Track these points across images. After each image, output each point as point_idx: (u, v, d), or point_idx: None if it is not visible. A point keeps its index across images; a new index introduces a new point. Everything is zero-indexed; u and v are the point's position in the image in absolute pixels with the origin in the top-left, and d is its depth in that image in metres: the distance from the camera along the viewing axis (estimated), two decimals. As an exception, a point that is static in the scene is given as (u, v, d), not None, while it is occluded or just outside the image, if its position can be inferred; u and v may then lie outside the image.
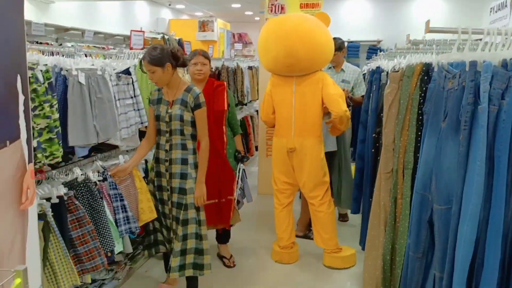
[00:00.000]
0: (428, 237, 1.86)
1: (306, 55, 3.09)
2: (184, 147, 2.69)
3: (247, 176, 3.56)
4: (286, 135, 3.28)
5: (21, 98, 1.45)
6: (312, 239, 3.63)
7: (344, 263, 3.38)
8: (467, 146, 1.57)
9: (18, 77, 1.43)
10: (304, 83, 3.20)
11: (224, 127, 3.21)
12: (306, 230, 3.98)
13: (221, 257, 3.52)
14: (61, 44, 5.85)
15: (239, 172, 3.34)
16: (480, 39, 1.90)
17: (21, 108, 1.45)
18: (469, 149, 1.56)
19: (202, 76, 3.14)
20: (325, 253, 3.42)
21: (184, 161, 2.69)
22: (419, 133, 2.05)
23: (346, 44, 4.19)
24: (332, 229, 3.37)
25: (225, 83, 3.34)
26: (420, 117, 2.04)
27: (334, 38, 3.80)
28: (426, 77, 2.02)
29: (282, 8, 4.86)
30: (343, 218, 4.40)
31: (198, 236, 2.73)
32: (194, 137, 2.70)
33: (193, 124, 2.66)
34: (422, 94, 2.02)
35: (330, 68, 4.09)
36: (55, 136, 2.37)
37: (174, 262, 2.70)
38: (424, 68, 2.02)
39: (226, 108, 3.19)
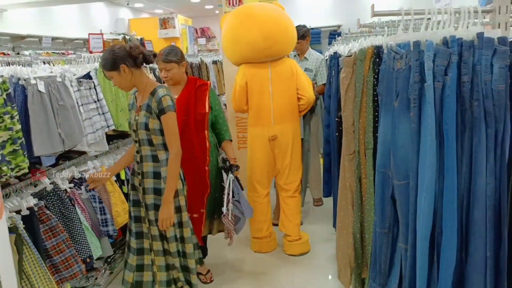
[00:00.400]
0: (392, 213, 1.94)
1: (281, 37, 3.17)
2: (155, 158, 2.39)
3: (243, 187, 3.04)
4: (266, 124, 3.27)
5: (-22, 113, 1.44)
6: None
7: (302, 249, 3.47)
8: (418, 123, 1.65)
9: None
10: (279, 69, 3.24)
11: (206, 131, 2.89)
12: None
13: (197, 273, 3.08)
14: (18, 53, 5.71)
15: (229, 183, 2.89)
16: (429, 19, 1.99)
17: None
18: (420, 125, 1.65)
19: (170, 82, 2.91)
20: (287, 241, 3.47)
21: (157, 175, 2.40)
22: (376, 113, 2.13)
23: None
24: (299, 216, 3.47)
25: (209, 82, 3.05)
26: (376, 98, 2.12)
27: (298, 26, 3.93)
28: (377, 59, 2.09)
29: (239, 0, 4.87)
30: (317, 202, 4.50)
31: (182, 254, 2.53)
32: (167, 146, 2.38)
33: (163, 132, 2.34)
34: (376, 76, 2.10)
35: (295, 56, 4.16)
36: (19, 148, 2.35)
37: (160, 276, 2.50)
38: (375, 51, 2.10)
39: (207, 110, 2.88)
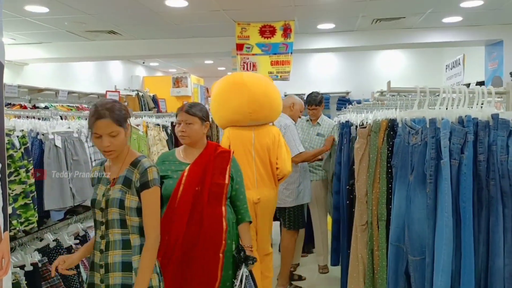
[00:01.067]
0: (406, 288, 1.89)
1: (266, 103, 3.24)
2: (126, 244, 1.87)
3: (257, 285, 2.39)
4: (251, 187, 3.19)
5: (-1, 167, 1.47)
6: None
7: None
8: (434, 199, 1.65)
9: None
10: (262, 135, 3.26)
11: (223, 207, 2.31)
12: (287, 283, 3.94)
13: None
14: (34, 105, 5.87)
15: (241, 279, 2.23)
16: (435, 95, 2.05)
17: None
18: (436, 201, 1.65)
19: (187, 140, 2.37)
20: None
21: (126, 266, 1.86)
22: (390, 185, 2.13)
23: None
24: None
25: (231, 150, 2.57)
26: (389, 170, 2.14)
27: (313, 93, 4.20)
28: (392, 132, 2.13)
29: (253, 65, 5.07)
30: (322, 270, 4.39)
31: None
32: (143, 230, 1.88)
33: (141, 212, 1.86)
34: (390, 148, 2.13)
35: (307, 120, 4.26)
36: (31, 202, 2.36)
37: None
38: (389, 124, 2.15)
39: (227, 181, 2.35)
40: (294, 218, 3.81)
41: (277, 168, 3.26)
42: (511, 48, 5.44)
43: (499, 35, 5.57)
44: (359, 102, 6.55)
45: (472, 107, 1.78)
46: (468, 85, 4.06)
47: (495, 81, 4.74)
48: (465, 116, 1.63)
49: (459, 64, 2.47)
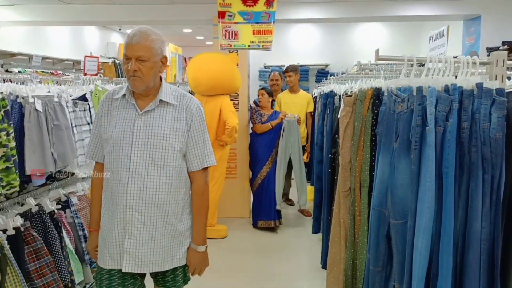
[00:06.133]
0: (387, 251, 1.97)
1: (206, 82, 4.46)
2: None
3: None
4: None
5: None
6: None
7: (218, 235, 4.43)
8: (418, 164, 1.70)
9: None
10: (209, 103, 4.42)
11: None
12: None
13: None
14: (7, 70, 5.66)
15: None
16: (423, 65, 2.09)
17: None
18: (420, 167, 1.70)
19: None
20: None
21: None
22: (373, 152, 2.19)
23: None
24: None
25: None
26: (373, 138, 2.19)
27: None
28: (377, 101, 2.17)
29: (235, 34, 4.99)
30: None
31: None
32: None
33: None
34: (374, 117, 2.17)
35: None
36: (12, 165, 2.31)
37: None
38: (375, 93, 2.18)
39: None
40: None
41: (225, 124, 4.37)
42: (489, 23, 5.52)
43: (477, 10, 5.64)
44: (333, 74, 6.66)
45: (456, 77, 1.82)
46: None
47: (471, 55, 4.84)
48: (451, 84, 1.67)
49: (443, 35, 2.51)
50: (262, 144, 4.78)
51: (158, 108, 1.87)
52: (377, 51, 1.86)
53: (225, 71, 4.52)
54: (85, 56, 4.13)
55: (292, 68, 5.27)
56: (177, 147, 1.85)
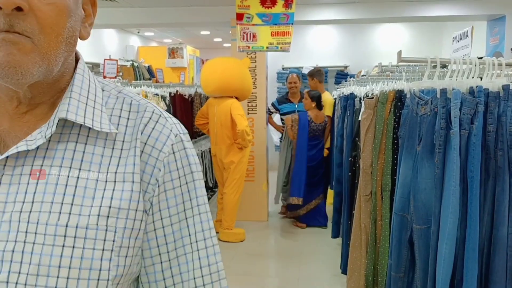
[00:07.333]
0: (409, 257, 1.93)
1: (214, 82, 4.54)
2: None
3: None
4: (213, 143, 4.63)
5: None
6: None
7: (236, 238, 4.46)
8: (442, 168, 1.66)
9: None
10: (220, 105, 4.51)
11: None
12: None
13: None
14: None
15: None
16: (445, 66, 2.04)
17: None
18: (444, 171, 1.66)
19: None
20: (221, 229, 4.43)
21: None
22: (395, 156, 2.15)
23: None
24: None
25: None
26: (395, 141, 2.15)
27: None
28: (399, 103, 2.13)
29: (253, 36, 4.98)
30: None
31: None
32: None
33: None
34: (396, 119, 2.13)
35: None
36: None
37: None
38: (397, 95, 2.14)
39: None
40: None
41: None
42: (513, 23, 5.41)
43: (501, 10, 5.52)
44: (352, 76, 6.62)
45: (482, 79, 1.77)
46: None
47: (496, 56, 4.74)
48: (476, 86, 1.63)
49: (467, 36, 2.44)
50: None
51: (56, 144, 0.64)
52: (399, 52, 1.82)
53: (234, 73, 4.57)
54: (105, 59, 4.17)
55: (309, 73, 5.55)
56: (112, 268, 0.60)
